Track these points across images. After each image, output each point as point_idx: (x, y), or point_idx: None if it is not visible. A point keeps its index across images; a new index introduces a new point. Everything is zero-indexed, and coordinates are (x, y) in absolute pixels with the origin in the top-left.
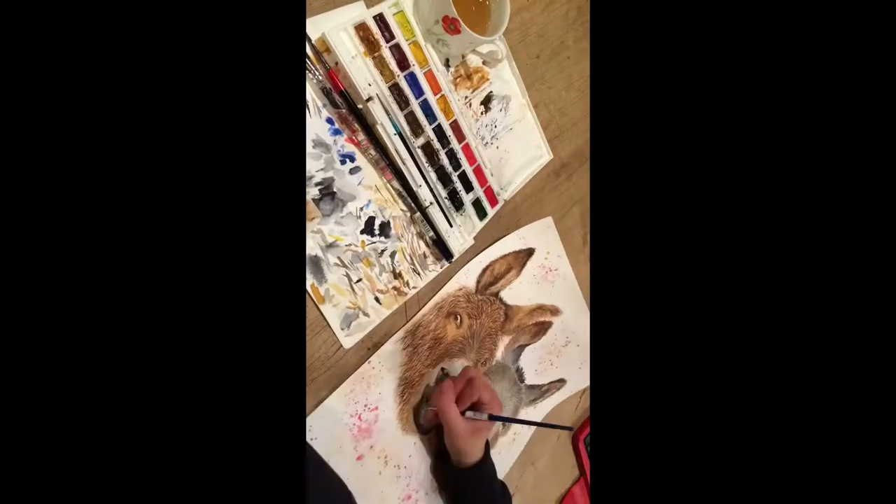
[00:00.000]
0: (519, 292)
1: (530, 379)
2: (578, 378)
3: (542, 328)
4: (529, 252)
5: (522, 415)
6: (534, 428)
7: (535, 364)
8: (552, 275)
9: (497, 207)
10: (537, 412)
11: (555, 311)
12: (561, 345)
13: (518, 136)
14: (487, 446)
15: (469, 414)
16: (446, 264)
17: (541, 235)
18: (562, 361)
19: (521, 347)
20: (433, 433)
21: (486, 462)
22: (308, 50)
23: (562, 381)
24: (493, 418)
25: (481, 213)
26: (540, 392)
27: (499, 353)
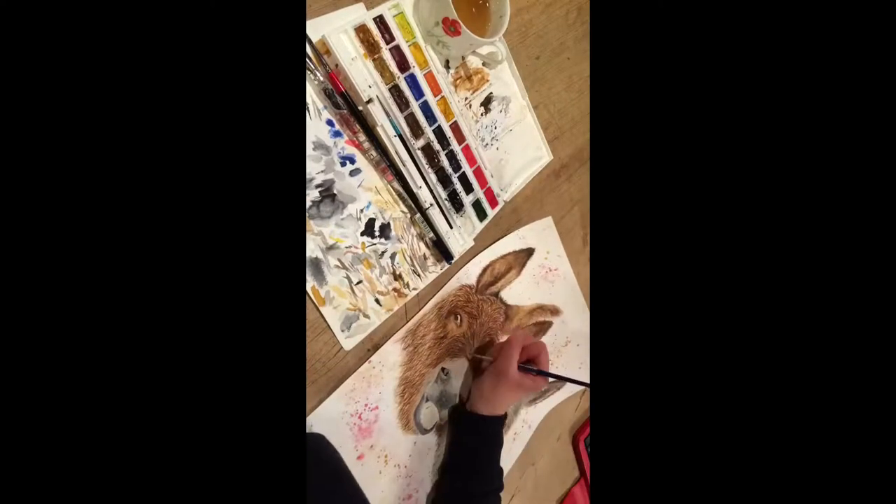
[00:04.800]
0: (519, 292)
1: None
2: (578, 378)
3: (542, 328)
4: (529, 252)
5: (522, 415)
6: (533, 428)
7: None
8: (552, 275)
9: (497, 209)
10: (537, 412)
11: (555, 311)
12: (561, 345)
13: (518, 137)
14: (506, 416)
15: (523, 366)
16: (446, 266)
17: (540, 235)
18: (562, 361)
19: None
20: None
21: (505, 419)
22: (309, 51)
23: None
24: (540, 373)
25: (481, 214)
26: (540, 392)
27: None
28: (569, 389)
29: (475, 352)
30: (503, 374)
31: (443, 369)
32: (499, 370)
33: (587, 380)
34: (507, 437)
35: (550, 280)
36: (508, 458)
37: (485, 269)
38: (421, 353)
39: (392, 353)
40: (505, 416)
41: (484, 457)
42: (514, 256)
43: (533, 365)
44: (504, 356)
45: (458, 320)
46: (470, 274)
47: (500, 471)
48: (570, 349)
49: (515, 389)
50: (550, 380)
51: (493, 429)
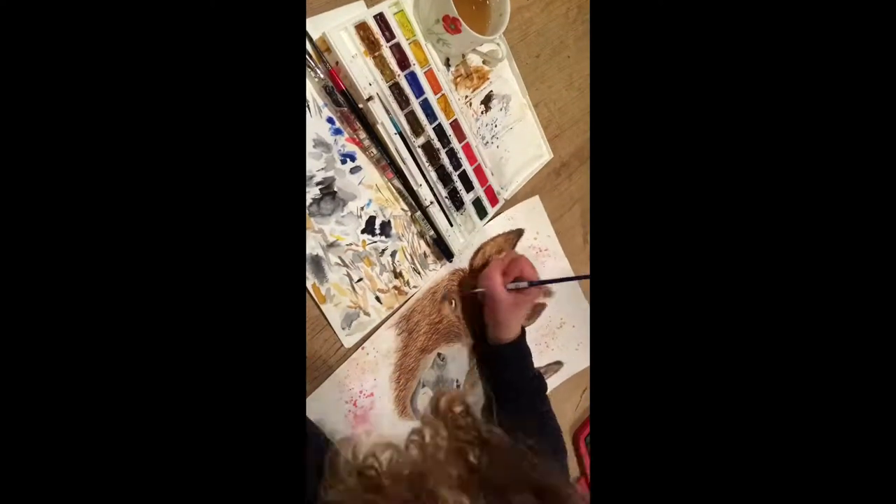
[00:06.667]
0: None
1: None
2: (575, 359)
3: (536, 310)
4: (519, 233)
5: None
6: None
7: (531, 347)
8: (543, 255)
9: (497, 206)
10: None
11: (547, 293)
12: (556, 326)
13: (518, 135)
14: (524, 331)
15: (511, 285)
16: (447, 263)
17: (529, 216)
18: (557, 343)
19: None
20: (475, 314)
21: (522, 341)
22: (309, 49)
23: (558, 364)
24: (532, 284)
25: (481, 212)
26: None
27: None
28: (566, 371)
29: (467, 288)
30: (495, 299)
31: (439, 355)
32: (490, 297)
33: (584, 361)
34: None
35: (541, 261)
36: None
37: (476, 252)
38: (416, 338)
39: (386, 340)
40: (520, 335)
41: (516, 374)
42: (505, 238)
43: (522, 279)
44: (487, 284)
45: (453, 304)
46: (462, 258)
47: (538, 375)
48: (565, 330)
49: (514, 308)
50: (546, 362)
51: (512, 354)
